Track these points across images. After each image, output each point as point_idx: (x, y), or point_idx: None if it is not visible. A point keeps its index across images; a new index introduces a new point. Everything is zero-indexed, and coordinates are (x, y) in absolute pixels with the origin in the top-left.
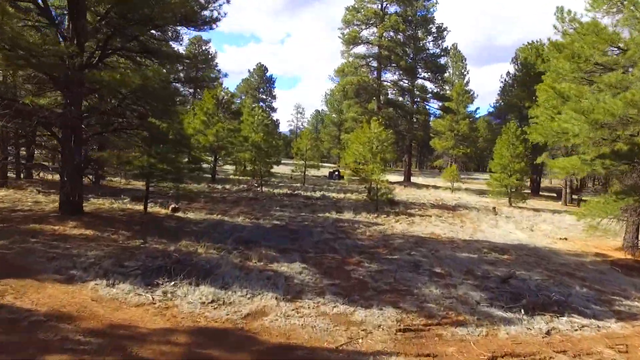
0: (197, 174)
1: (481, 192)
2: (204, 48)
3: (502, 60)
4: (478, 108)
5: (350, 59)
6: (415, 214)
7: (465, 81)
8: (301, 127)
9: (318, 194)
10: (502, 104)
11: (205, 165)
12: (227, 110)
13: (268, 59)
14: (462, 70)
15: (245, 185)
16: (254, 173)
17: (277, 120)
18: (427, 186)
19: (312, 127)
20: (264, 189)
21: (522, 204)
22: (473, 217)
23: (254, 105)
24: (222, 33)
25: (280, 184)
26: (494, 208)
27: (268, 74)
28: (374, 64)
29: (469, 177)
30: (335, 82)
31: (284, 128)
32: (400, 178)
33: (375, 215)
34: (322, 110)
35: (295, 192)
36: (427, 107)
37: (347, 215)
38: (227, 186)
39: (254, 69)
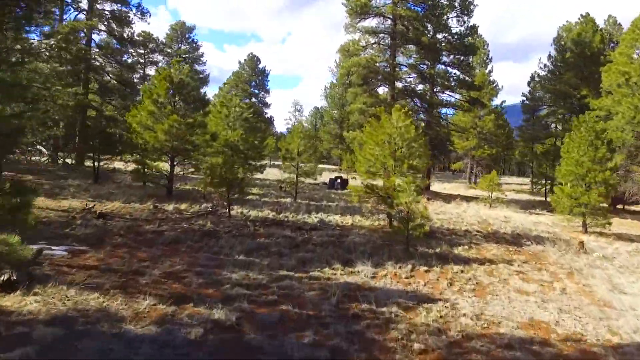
0: (15, 204)
1: (523, 206)
2: (187, 35)
3: (505, 59)
4: (504, 101)
5: (357, 35)
6: (471, 259)
7: (487, 70)
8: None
9: (314, 217)
10: (540, 94)
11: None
12: (186, 98)
13: (269, 58)
14: (484, 57)
15: (209, 205)
16: (221, 187)
17: (271, 117)
18: (453, 197)
19: (310, 125)
20: (238, 209)
21: (601, 229)
22: (560, 262)
23: (232, 92)
24: (223, 32)
25: (263, 199)
26: (582, 243)
27: (261, 66)
28: (387, 41)
29: None
30: (335, 76)
31: (281, 127)
32: None
33: (410, 267)
34: (322, 106)
35: (281, 215)
36: (450, 98)
37: (363, 271)
38: (183, 206)
39: (245, 59)
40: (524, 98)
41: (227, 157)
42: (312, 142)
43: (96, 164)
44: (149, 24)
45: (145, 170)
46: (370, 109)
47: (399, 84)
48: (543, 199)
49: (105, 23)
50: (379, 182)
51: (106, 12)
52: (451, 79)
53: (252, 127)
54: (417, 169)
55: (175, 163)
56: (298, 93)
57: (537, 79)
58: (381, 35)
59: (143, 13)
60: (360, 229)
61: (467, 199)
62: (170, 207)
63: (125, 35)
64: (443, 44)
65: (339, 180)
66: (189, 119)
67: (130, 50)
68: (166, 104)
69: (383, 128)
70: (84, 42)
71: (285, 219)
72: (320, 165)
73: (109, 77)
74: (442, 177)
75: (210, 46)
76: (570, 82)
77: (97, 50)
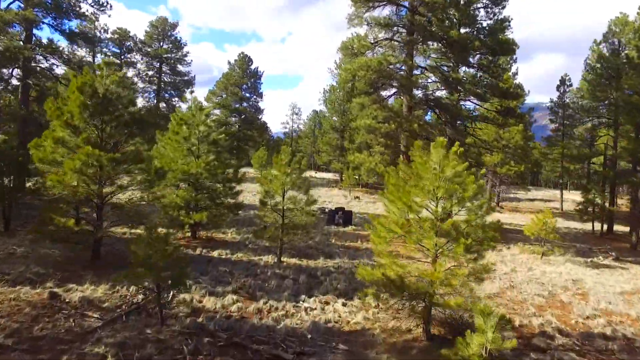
0: None
1: (577, 247)
2: (170, 33)
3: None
4: (533, 109)
5: (364, 29)
6: None
7: (511, 72)
8: (297, 129)
9: (304, 307)
10: (582, 103)
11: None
12: (117, 119)
13: (269, 58)
14: (508, 57)
15: (143, 290)
16: (144, 279)
17: (265, 124)
18: None
19: (309, 129)
20: (190, 286)
21: None
22: None
23: (193, 103)
24: (223, 31)
25: (236, 255)
26: None
27: (253, 67)
28: (402, 36)
29: (508, 195)
30: (335, 79)
31: (280, 130)
32: None
33: None
34: (321, 110)
35: (252, 308)
36: (470, 106)
37: None
38: (101, 290)
39: (235, 60)
40: (552, 104)
41: (153, 231)
42: (304, 179)
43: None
44: (109, 16)
45: (55, 225)
46: (383, 126)
47: (417, 92)
48: (590, 227)
49: (53, 14)
50: (410, 268)
51: (47, 1)
52: (480, 85)
53: (220, 151)
54: (479, 251)
55: (101, 214)
56: (298, 93)
57: (568, 83)
58: (395, 28)
59: (101, 4)
60: (380, 345)
61: (508, 238)
62: (76, 294)
63: (79, 30)
64: (471, 40)
65: (340, 213)
66: (121, 153)
67: (85, 47)
68: (83, 129)
69: (419, 178)
70: (23, 39)
71: (257, 319)
72: (318, 175)
73: (60, 83)
74: None
75: (211, 46)
76: (638, 90)
77: (37, 48)
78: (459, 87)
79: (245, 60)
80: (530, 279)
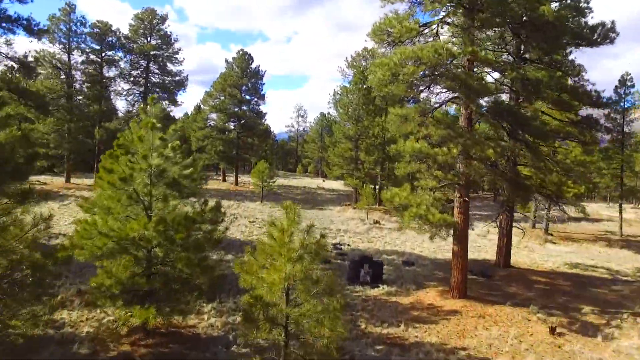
0: None
1: None
2: (158, 27)
3: None
4: (590, 116)
5: (404, 6)
6: None
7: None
8: (302, 132)
9: None
10: None
11: None
12: None
13: (275, 58)
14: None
15: None
16: None
17: (268, 129)
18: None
19: (316, 134)
20: None
21: None
22: None
23: (151, 115)
24: (229, 31)
25: None
26: None
27: (254, 66)
28: (457, 17)
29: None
30: (346, 79)
31: (279, 129)
32: (491, 257)
33: None
34: (329, 113)
35: None
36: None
37: None
38: None
39: (234, 58)
40: (609, 109)
41: None
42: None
43: None
44: None
45: None
46: (440, 151)
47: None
48: None
49: None
50: None
51: None
52: (556, 88)
53: (197, 191)
54: None
55: None
56: (303, 94)
57: (629, 83)
58: (448, 5)
59: None
60: None
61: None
62: None
63: (50, 22)
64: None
65: (367, 267)
66: None
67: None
68: None
69: None
70: None
71: None
72: (326, 184)
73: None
74: (485, 209)
75: (217, 46)
76: None
77: None
78: (532, 90)
79: (244, 58)
80: None
